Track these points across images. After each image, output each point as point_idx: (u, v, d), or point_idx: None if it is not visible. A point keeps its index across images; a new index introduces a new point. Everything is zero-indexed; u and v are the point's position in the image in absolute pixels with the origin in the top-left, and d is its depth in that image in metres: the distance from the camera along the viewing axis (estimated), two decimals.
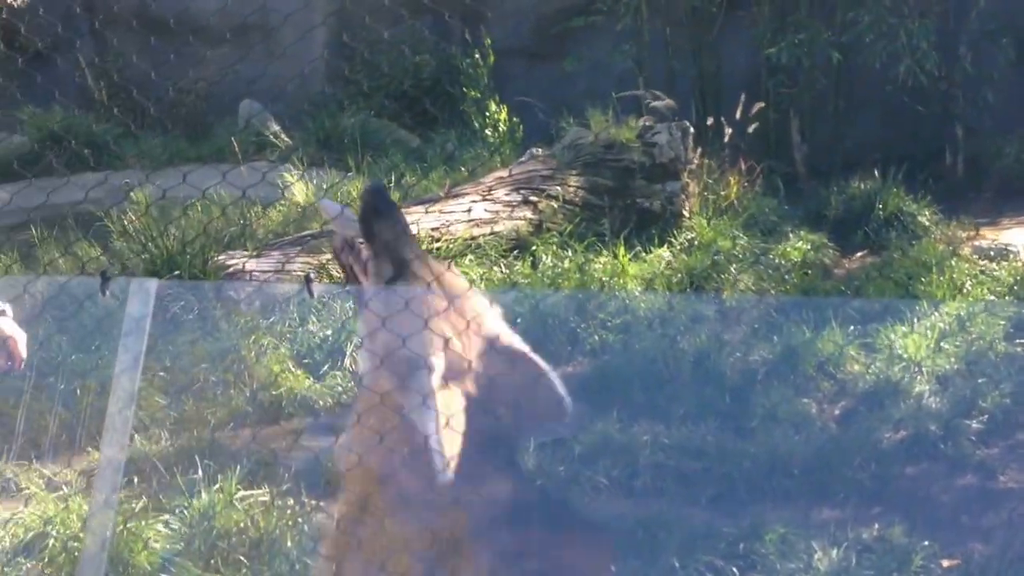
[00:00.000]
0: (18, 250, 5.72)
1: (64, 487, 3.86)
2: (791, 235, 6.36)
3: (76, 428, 4.09)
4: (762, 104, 7.27)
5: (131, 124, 8.39)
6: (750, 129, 7.24)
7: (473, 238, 5.88)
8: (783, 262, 5.97)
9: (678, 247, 6.17)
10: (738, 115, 7.26)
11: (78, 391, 4.26)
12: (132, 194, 6.12)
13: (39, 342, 4.26)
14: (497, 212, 6.12)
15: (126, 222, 5.57)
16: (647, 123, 6.87)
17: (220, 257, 5.32)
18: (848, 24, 7.75)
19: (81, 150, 7.65)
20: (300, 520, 3.65)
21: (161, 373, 4.47)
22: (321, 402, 4.51)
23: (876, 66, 7.52)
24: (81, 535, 3.01)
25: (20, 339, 3.03)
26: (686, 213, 6.61)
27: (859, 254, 6.54)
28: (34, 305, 4.22)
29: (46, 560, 3.48)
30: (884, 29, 7.49)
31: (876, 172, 7.18)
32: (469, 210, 6.04)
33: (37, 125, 8.07)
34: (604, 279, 5.48)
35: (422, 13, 8.68)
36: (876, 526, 3.62)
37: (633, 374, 4.57)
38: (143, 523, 3.57)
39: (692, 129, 6.97)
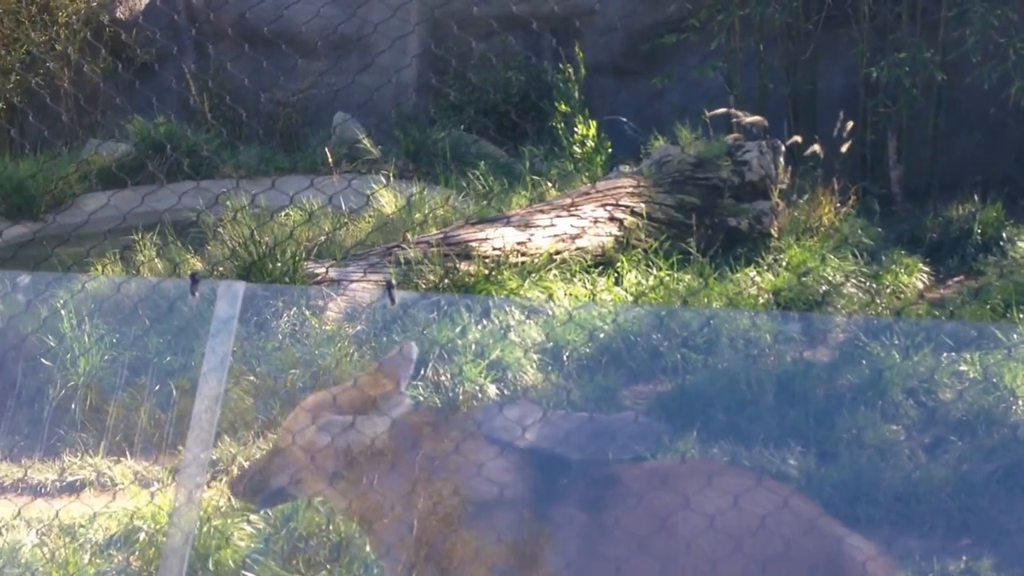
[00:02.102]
0: (118, 252, 5.94)
1: (155, 483, 3.99)
2: (884, 258, 6.22)
3: (165, 425, 4.23)
4: (851, 123, 7.13)
5: (227, 133, 8.63)
6: (844, 149, 7.11)
7: (558, 252, 5.89)
8: (875, 285, 5.83)
9: (765, 267, 6.08)
10: (835, 134, 7.13)
11: (172, 390, 4.40)
12: (228, 202, 6.30)
13: (132, 340, 4.43)
14: (583, 227, 6.13)
15: (220, 228, 5.73)
16: (737, 141, 6.81)
17: (308, 265, 5.43)
18: (952, 43, 7.56)
19: (181, 159, 7.91)
20: None
21: (251, 377, 4.58)
22: None
23: (985, 87, 7.30)
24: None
25: None
26: (775, 233, 6.52)
27: (955, 279, 6.36)
28: (128, 304, 4.37)
29: (136, 553, 3.59)
30: (992, 49, 7.29)
31: (975, 195, 6.98)
32: (554, 224, 6.06)
33: (141, 134, 8.37)
34: (688, 298, 5.44)
35: (513, 28, 8.77)
36: (964, 558, 3.51)
37: (715, 394, 4.52)
38: (228, 521, 3.66)
39: (783, 148, 6.88)
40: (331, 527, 3.60)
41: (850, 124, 7.08)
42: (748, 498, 2.21)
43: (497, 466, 2.40)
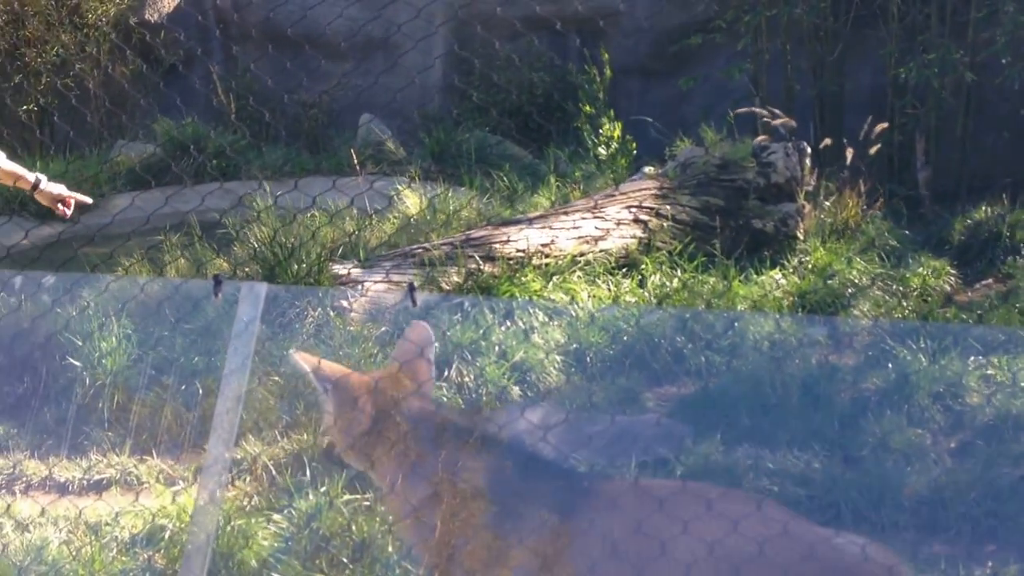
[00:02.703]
0: (144, 252, 5.99)
1: (180, 482, 4.02)
2: (911, 261, 6.17)
3: (188, 425, 4.26)
4: (885, 124, 7.06)
5: (251, 134, 8.68)
6: (872, 151, 7.06)
7: (582, 254, 5.88)
8: (901, 288, 5.79)
9: (791, 270, 6.05)
10: (863, 136, 7.08)
11: (197, 389, 4.43)
12: (255, 202, 6.34)
13: (157, 340, 4.46)
14: (607, 229, 6.11)
15: (247, 230, 5.76)
16: (763, 142, 6.77)
17: (333, 266, 5.45)
18: (981, 44, 7.49)
19: (207, 161, 7.96)
20: None
21: (275, 377, 4.60)
22: None
23: (1015, 87, 7.23)
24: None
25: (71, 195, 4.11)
26: (800, 235, 6.48)
27: (983, 283, 6.29)
28: (153, 304, 4.40)
29: (161, 551, 3.62)
30: (1022, 50, 7.22)
31: (1004, 197, 6.91)
32: (578, 226, 6.05)
33: (168, 135, 8.44)
34: (712, 300, 5.41)
35: (538, 28, 8.76)
36: (989, 564, 3.47)
37: (739, 397, 4.49)
38: (252, 521, 3.68)
39: (810, 149, 6.83)
40: (354, 527, 3.61)
41: (882, 126, 7.01)
42: (719, 508, 2.18)
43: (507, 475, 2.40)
